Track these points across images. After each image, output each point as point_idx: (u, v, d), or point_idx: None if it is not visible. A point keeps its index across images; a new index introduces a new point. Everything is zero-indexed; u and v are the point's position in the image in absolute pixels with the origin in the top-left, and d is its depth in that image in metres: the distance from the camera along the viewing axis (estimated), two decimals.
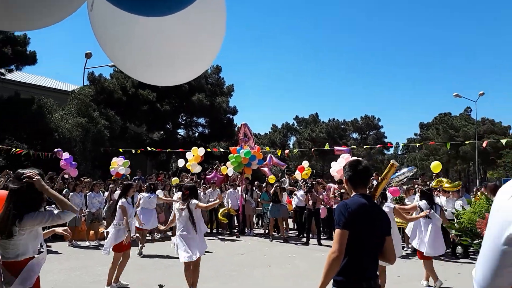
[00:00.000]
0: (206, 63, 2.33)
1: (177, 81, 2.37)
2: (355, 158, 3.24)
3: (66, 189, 11.70)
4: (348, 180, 2.83)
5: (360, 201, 2.67)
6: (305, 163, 14.52)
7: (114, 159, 13.90)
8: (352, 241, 2.54)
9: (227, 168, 13.72)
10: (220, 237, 12.36)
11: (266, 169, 15.15)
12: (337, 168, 12.37)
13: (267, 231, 12.92)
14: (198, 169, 14.08)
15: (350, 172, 2.82)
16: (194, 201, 5.72)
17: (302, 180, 13.59)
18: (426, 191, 7.25)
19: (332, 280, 2.59)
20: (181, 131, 29.24)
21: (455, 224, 2.93)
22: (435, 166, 12.12)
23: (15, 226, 2.68)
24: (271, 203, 11.93)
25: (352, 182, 2.82)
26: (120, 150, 17.20)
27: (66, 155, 12.47)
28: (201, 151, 14.00)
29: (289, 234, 13.00)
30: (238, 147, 13.38)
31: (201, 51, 2.14)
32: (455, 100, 59.87)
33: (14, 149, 13.74)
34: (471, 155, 32.79)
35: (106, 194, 11.87)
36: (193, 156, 13.92)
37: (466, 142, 17.98)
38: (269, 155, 15.27)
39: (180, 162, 14.23)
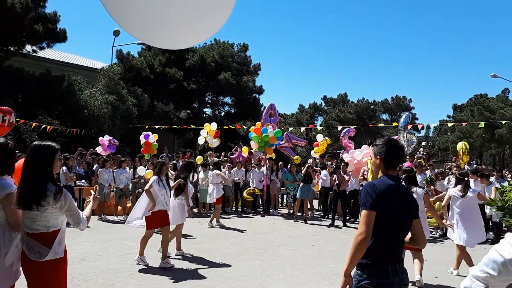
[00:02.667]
0: (217, 24, 2.19)
1: (186, 44, 2.26)
2: (390, 137, 3.03)
3: (96, 165, 12.02)
4: (383, 159, 2.65)
5: (388, 182, 2.55)
6: (319, 136, 14.06)
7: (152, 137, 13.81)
8: (379, 223, 2.43)
9: (247, 149, 13.69)
10: (244, 215, 12.44)
11: (288, 150, 14.95)
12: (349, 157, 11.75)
13: (291, 211, 12.87)
14: (215, 143, 14.03)
15: (387, 151, 2.65)
16: None
17: (317, 158, 13.33)
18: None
19: None
20: (207, 110, 29.34)
21: (497, 202, 2.63)
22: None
23: (47, 201, 2.76)
24: (301, 183, 11.73)
25: (385, 162, 2.65)
26: (146, 126, 17.40)
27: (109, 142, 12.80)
28: (213, 125, 13.97)
29: (314, 215, 12.93)
30: (262, 127, 13.27)
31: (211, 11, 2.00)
32: (492, 81, 57.35)
33: (45, 125, 14.11)
34: (507, 138, 31.35)
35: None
36: (207, 132, 13.93)
37: (503, 122, 17.06)
38: (285, 133, 14.81)
39: (215, 143, 14.18)
